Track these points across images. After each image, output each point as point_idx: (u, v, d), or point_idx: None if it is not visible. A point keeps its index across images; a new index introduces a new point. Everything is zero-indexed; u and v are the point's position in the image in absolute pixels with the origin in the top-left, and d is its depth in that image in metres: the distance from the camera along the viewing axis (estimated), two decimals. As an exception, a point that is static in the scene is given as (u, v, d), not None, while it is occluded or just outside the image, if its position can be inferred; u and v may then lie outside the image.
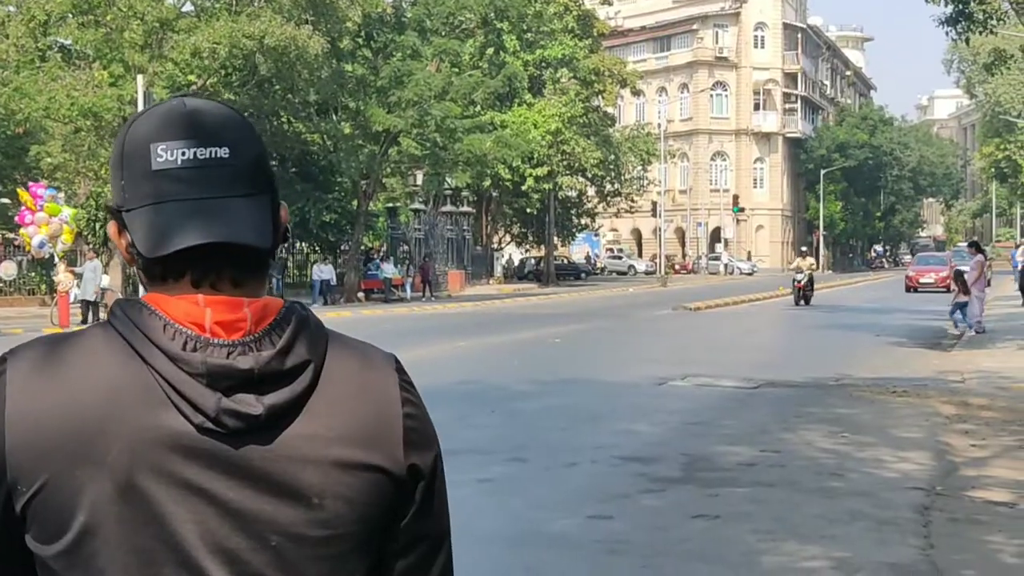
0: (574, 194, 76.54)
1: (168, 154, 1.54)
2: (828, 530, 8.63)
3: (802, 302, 42.25)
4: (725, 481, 10.46)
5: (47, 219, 34.90)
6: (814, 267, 44.28)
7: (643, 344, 26.86)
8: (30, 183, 39.05)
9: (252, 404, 1.50)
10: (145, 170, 1.54)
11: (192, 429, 1.49)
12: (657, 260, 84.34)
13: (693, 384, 17.90)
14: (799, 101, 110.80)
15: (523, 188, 66.26)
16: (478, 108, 57.88)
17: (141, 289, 1.65)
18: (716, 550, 8.12)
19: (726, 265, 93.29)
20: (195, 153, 1.54)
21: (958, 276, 28.34)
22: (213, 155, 1.55)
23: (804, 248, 49.28)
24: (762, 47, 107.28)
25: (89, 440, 1.48)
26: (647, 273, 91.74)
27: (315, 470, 1.53)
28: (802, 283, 42.49)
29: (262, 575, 1.51)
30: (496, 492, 9.83)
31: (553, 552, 7.99)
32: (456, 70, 54.25)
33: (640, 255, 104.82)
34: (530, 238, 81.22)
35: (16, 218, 39.76)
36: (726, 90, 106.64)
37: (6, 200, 51.27)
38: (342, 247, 57.53)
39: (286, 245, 58.77)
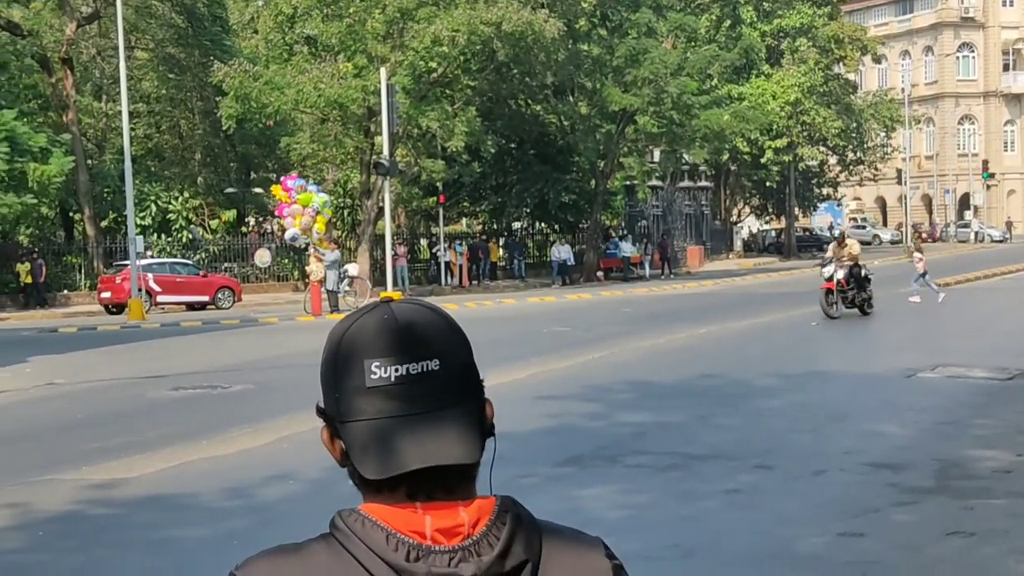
0: (815, 164, 75.06)
1: (382, 371, 1.58)
2: (1092, 551, 8.33)
3: (836, 308, 27.46)
4: (980, 492, 10.19)
5: (301, 210, 36.18)
6: (858, 258, 28.13)
7: (890, 327, 26.26)
8: (282, 177, 40.54)
9: None
10: (359, 386, 1.59)
11: None
12: (903, 229, 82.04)
13: (943, 376, 17.43)
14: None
15: (762, 160, 65.36)
16: (715, 82, 57.34)
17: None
18: (972, 574, 7.95)
19: (976, 233, 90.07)
20: (408, 369, 1.58)
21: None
22: (425, 369, 1.59)
23: (840, 231, 31.68)
24: (1010, 5, 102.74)
25: None
26: (892, 243, 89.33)
27: None
28: (837, 281, 27.53)
29: None
30: (743, 505, 9.79)
31: (803, 574, 7.95)
32: (692, 45, 53.83)
33: (885, 224, 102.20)
34: (770, 210, 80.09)
35: (275, 211, 41.33)
36: (973, 51, 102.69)
37: (259, 189, 53.31)
38: (580, 226, 57.85)
39: (526, 226, 59.43)
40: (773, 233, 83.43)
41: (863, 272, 28.08)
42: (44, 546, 9.15)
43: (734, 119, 53.27)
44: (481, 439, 1.64)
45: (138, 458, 12.50)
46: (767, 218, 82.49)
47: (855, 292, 27.92)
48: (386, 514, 1.58)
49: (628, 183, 60.78)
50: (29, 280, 44.48)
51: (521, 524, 1.62)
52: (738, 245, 77.59)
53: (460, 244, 53.43)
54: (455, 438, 1.59)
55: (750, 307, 31.33)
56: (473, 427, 1.62)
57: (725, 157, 62.43)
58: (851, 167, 77.09)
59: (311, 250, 36.68)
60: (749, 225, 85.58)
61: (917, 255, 32.39)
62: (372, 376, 1.58)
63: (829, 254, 29.23)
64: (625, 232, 60.32)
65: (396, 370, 1.58)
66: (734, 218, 78.63)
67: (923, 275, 31.54)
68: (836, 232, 31.43)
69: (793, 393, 16.01)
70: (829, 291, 27.68)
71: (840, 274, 27.60)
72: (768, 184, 71.62)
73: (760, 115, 57.05)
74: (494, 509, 1.62)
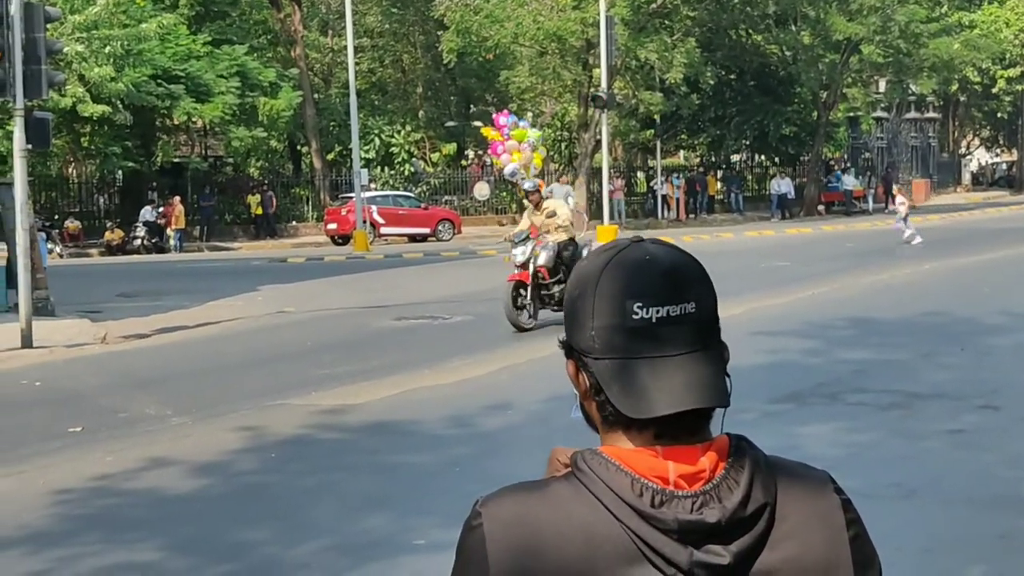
0: (1051, 94, 71.89)
1: (643, 312, 1.62)
2: None
3: (527, 313, 16.83)
4: None
5: (517, 146, 36.49)
6: (569, 221, 17.84)
7: None
8: (495, 113, 40.89)
9: (721, 554, 1.59)
10: (619, 325, 1.63)
11: None
12: None
13: None
14: None
15: (993, 91, 63.09)
16: (944, 9, 55.40)
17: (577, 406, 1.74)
18: None
19: None
20: (668, 311, 1.62)
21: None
22: (683, 311, 1.63)
23: (533, 183, 19.35)
24: None
25: None
26: None
27: None
28: (532, 268, 16.94)
29: None
30: (967, 445, 9.57)
31: (1029, 519, 7.77)
32: (921, -30, 52.03)
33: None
34: (1000, 142, 77.27)
35: (489, 150, 41.79)
36: None
37: (478, 123, 53.90)
38: (801, 159, 56.80)
39: (745, 159, 58.72)
40: (1004, 166, 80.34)
41: (577, 250, 17.50)
42: (276, 468, 9.58)
43: (964, 48, 51.45)
44: (727, 381, 1.68)
45: (364, 385, 12.92)
46: (997, 150, 79.52)
47: (560, 287, 16.93)
48: (629, 458, 1.63)
49: (851, 114, 59.36)
50: (260, 211, 46.12)
51: (759, 467, 1.66)
52: (966, 178, 75.07)
53: (677, 177, 53.09)
54: (712, 381, 1.64)
55: (978, 243, 30.33)
56: (721, 370, 1.67)
57: (954, 87, 60.42)
58: (1090, 97, 73.68)
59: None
60: (978, 157, 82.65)
61: (900, 199, 33.39)
62: (633, 316, 1.62)
63: (522, 224, 18.34)
64: (848, 165, 58.98)
65: (657, 311, 1.62)
66: (962, 150, 76.07)
67: (904, 218, 32.27)
68: (529, 184, 19.22)
69: (1023, 332, 15.50)
70: (521, 285, 16.98)
71: (542, 258, 17.12)
72: (999, 115, 69.06)
73: (992, 43, 54.94)
74: (728, 450, 1.66)
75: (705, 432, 1.67)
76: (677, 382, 1.61)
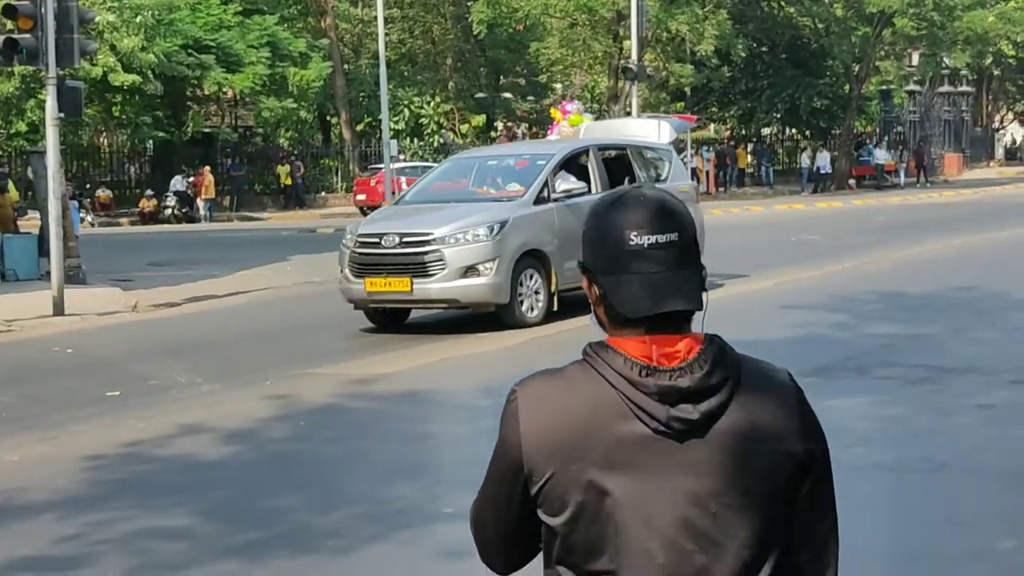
0: (1086, 68, 71.21)
1: (638, 239, 2.18)
2: None
3: None
4: None
5: (569, 129, 36.65)
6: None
7: None
8: (563, 101, 40.88)
9: (690, 411, 2.15)
10: (619, 249, 2.19)
11: (649, 432, 2.16)
12: None
13: None
14: None
15: (1028, 64, 62.43)
16: (979, -18, 54.87)
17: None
18: None
19: None
20: (656, 239, 2.18)
21: None
22: (668, 239, 2.19)
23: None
24: None
25: (580, 444, 2.17)
26: None
27: (738, 455, 2.17)
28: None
29: (707, 534, 2.16)
30: (998, 421, 9.53)
31: (1060, 494, 7.74)
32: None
33: None
34: (1035, 116, 76.59)
35: (549, 131, 41.77)
36: None
37: (508, 94, 53.75)
38: (832, 133, 56.49)
39: (776, 132, 58.38)
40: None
41: None
42: (306, 437, 9.63)
43: (999, 21, 51.00)
44: (703, 293, 2.23)
45: (393, 354, 12.96)
46: (1032, 125, 78.93)
47: None
48: (624, 344, 2.19)
49: (884, 88, 58.99)
50: (289, 182, 46.18)
51: (724, 354, 2.20)
52: (1000, 153, 74.51)
53: (707, 150, 52.88)
54: (689, 291, 2.20)
55: (1011, 218, 30.10)
56: (698, 284, 2.22)
57: (988, 61, 59.89)
58: None
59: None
60: (1012, 132, 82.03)
61: None
62: (630, 243, 2.18)
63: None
64: (879, 138, 58.66)
65: (648, 239, 2.17)
66: (996, 124, 75.49)
67: None
68: None
69: (1055, 308, 15.39)
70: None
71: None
72: (1034, 89, 68.53)
73: (1027, 16, 54.48)
74: (703, 342, 2.20)
75: (687, 330, 2.22)
76: (661, 291, 2.17)
